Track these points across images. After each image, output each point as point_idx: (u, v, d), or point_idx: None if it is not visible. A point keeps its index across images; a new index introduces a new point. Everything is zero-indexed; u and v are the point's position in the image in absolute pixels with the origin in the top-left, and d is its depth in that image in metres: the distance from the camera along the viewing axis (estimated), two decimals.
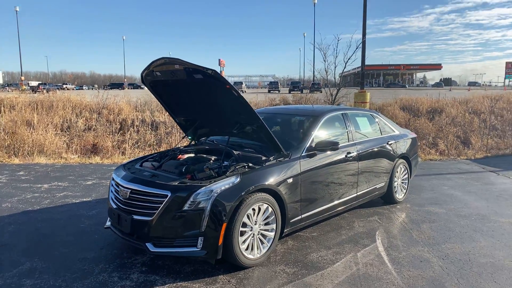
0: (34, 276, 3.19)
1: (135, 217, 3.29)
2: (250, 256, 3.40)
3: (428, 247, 3.96)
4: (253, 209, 3.39)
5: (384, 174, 5.19)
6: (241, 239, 3.30)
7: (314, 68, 39.35)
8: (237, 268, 3.37)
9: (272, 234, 3.59)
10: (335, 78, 15.29)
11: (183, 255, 3.20)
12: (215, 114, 4.17)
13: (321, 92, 22.09)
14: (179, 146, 4.94)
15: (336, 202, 4.37)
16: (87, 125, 11.15)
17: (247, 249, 3.39)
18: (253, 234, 3.44)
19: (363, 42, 15.02)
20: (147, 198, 3.28)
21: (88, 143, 10.03)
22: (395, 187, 5.46)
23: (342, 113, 4.87)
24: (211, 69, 3.30)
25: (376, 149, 5.02)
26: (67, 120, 11.21)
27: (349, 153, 4.52)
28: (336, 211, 4.48)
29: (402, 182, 5.68)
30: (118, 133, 10.88)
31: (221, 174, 3.42)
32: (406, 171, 5.72)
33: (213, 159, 3.96)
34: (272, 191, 3.55)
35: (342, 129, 4.75)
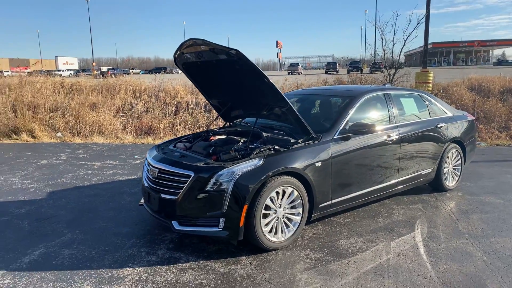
0: (72, 247, 3.45)
1: (163, 195, 3.39)
2: (274, 239, 3.35)
3: (474, 240, 3.61)
4: (277, 192, 3.32)
5: (431, 159, 4.79)
6: (263, 221, 3.26)
7: (375, 47, 37.41)
8: (261, 251, 3.34)
9: (298, 218, 3.50)
10: (394, 57, 14.34)
11: (206, 235, 3.25)
12: (245, 95, 4.12)
13: (382, 72, 20.94)
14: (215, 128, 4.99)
15: (372, 188, 4.13)
16: (145, 107, 11.74)
17: (270, 231, 3.34)
18: (277, 217, 3.37)
19: (427, 16, 13.86)
20: (173, 178, 3.35)
21: (143, 125, 10.58)
22: (444, 173, 5.03)
23: (384, 94, 4.54)
24: (234, 49, 3.24)
25: (422, 132, 4.63)
26: (128, 102, 11.87)
27: (389, 136, 4.23)
28: (373, 197, 4.24)
29: (454, 169, 5.21)
30: (174, 115, 11.32)
31: (246, 156, 3.38)
32: (459, 157, 5.23)
33: (242, 141, 3.93)
34: (298, 175, 3.44)
35: (383, 111, 4.43)
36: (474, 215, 4.27)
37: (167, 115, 11.16)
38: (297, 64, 47.08)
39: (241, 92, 4.09)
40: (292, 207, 3.47)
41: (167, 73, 31.76)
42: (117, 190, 5.15)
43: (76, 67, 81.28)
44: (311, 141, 3.66)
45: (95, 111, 10.88)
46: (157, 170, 3.51)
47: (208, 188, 3.15)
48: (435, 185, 5.05)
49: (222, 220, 3.13)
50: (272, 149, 3.46)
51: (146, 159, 3.87)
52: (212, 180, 3.15)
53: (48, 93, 11.91)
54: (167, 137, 9.97)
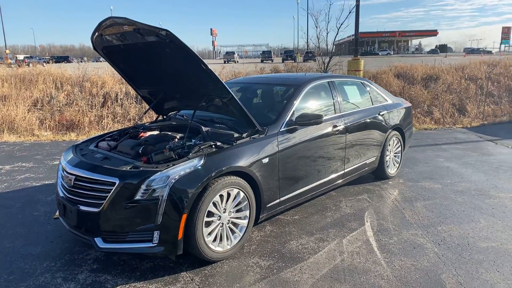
0: None
1: (82, 207, 2.80)
2: (219, 249, 2.95)
3: (422, 230, 3.54)
4: (221, 196, 2.91)
5: (375, 148, 4.72)
6: (206, 230, 2.84)
7: (307, 36, 38.20)
8: (204, 263, 2.93)
9: (245, 222, 3.13)
10: (328, 46, 14.55)
11: (138, 252, 2.73)
12: (180, 84, 3.61)
13: (315, 61, 21.31)
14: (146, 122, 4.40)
15: (320, 181, 3.90)
16: (68, 99, 10.48)
17: (215, 240, 2.93)
18: (222, 223, 2.97)
19: (357, 6, 14.18)
20: (93, 187, 2.77)
21: (64, 119, 9.43)
22: (387, 161, 5.00)
23: (328, 82, 4.32)
24: (164, 29, 2.72)
25: (366, 121, 4.51)
26: (47, 94, 10.50)
27: (335, 126, 4.02)
28: (321, 191, 4.03)
29: (395, 156, 5.22)
30: (101, 107, 10.27)
31: (183, 156, 2.91)
32: (400, 144, 5.25)
33: (178, 137, 3.44)
34: (243, 174, 3.06)
35: (328, 100, 4.21)
36: (418, 202, 4.26)
37: (93, 108, 10.09)
38: (233, 53, 46.57)
39: (175, 80, 3.58)
40: (238, 211, 3.09)
41: (69, 62, 28.91)
42: (29, 199, 4.34)
43: None
44: (257, 135, 3.29)
45: (5, 104, 9.46)
46: (73, 177, 2.89)
47: (137, 197, 2.64)
48: (378, 173, 5.01)
49: (156, 234, 2.65)
50: (213, 146, 3.03)
51: (60, 164, 3.22)
52: (143, 187, 2.64)
53: None
54: (93, 132, 9.00)
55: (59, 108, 9.81)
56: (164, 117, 4.28)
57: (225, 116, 3.59)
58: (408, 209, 4.07)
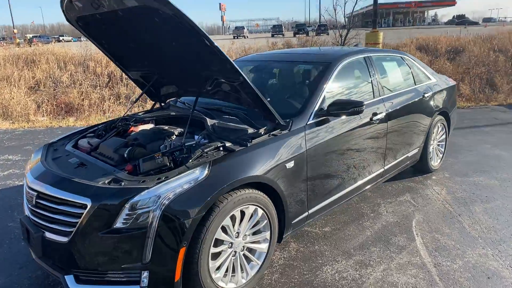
0: None
1: (47, 235, 2.09)
2: (231, 286, 2.22)
3: (492, 248, 2.76)
4: (233, 217, 2.17)
5: (418, 138, 3.88)
6: (213, 265, 2.10)
7: (320, 7, 36.38)
8: None
9: (264, 246, 2.39)
10: (351, 16, 13.52)
11: None
12: (178, 65, 2.80)
13: (327, 34, 20.08)
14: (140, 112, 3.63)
15: (356, 184, 3.12)
16: (71, 79, 9.75)
17: (226, 275, 2.21)
18: (235, 252, 2.24)
19: None
20: (59, 209, 2.05)
21: (62, 102, 8.74)
22: (430, 152, 4.17)
23: (364, 57, 3.45)
24: None
25: (409, 105, 3.65)
26: (50, 75, 9.79)
27: (375, 114, 3.19)
28: (357, 195, 3.25)
29: (439, 145, 4.38)
30: (106, 87, 9.55)
31: (180, 163, 2.15)
32: (444, 130, 4.39)
33: (176, 133, 2.67)
34: (262, 185, 2.30)
35: (365, 80, 3.36)
36: (476, 206, 3.45)
37: (97, 88, 9.35)
38: (243, 28, 44.98)
39: (171, 60, 2.77)
40: (255, 233, 2.35)
41: (59, 41, 27.56)
42: (6, 203, 3.67)
43: None
44: (278, 130, 2.50)
45: (5, 87, 8.78)
46: (35, 193, 2.17)
47: (118, 225, 1.90)
48: (420, 166, 4.18)
49: (145, 274, 1.92)
50: (221, 149, 2.25)
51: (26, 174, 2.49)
52: (124, 212, 1.89)
53: None
54: (93, 116, 8.29)
55: (62, 90, 9.10)
56: (162, 104, 3.51)
57: (236, 105, 2.80)
58: (465, 215, 3.27)
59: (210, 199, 1.99)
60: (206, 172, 2.06)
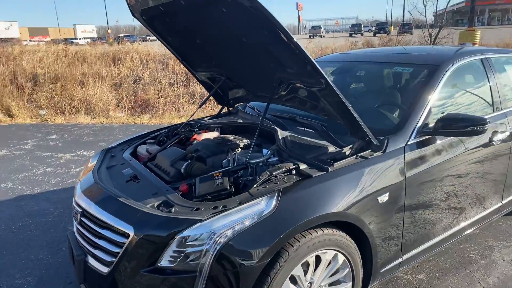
0: None
1: (90, 260, 1.81)
2: None
3: None
4: (305, 263, 1.68)
5: None
6: None
7: (404, 4, 33.96)
8: None
9: None
10: (445, 13, 12.24)
11: None
12: (249, 65, 2.39)
13: (411, 34, 18.50)
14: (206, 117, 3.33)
15: (465, 223, 2.43)
16: (151, 77, 10.10)
17: None
18: None
19: None
20: (102, 233, 1.75)
21: (140, 99, 9.00)
22: None
23: (481, 59, 2.71)
24: None
25: None
26: (133, 72, 10.27)
27: (495, 133, 2.46)
28: (464, 235, 2.55)
29: None
30: (182, 86, 9.72)
31: (243, 188, 1.73)
32: None
33: (242, 145, 2.26)
34: (345, 224, 1.78)
35: (482, 89, 2.63)
36: None
37: (173, 86, 9.52)
38: (319, 27, 44.14)
39: (242, 58, 2.37)
40: (332, 283, 1.84)
41: (145, 40, 28.62)
42: (70, 203, 3.61)
43: (95, 35, 79.77)
44: (368, 150, 1.95)
45: (90, 83, 9.32)
46: (80, 211, 1.91)
47: (163, 263, 1.54)
48: None
49: None
50: (293, 172, 1.78)
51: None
52: (171, 248, 1.52)
53: (49, 63, 10.37)
54: (167, 114, 8.37)
55: (140, 87, 9.43)
56: (230, 109, 3.14)
57: (314, 115, 2.31)
58: None
59: (277, 241, 1.53)
60: (274, 203, 1.60)
